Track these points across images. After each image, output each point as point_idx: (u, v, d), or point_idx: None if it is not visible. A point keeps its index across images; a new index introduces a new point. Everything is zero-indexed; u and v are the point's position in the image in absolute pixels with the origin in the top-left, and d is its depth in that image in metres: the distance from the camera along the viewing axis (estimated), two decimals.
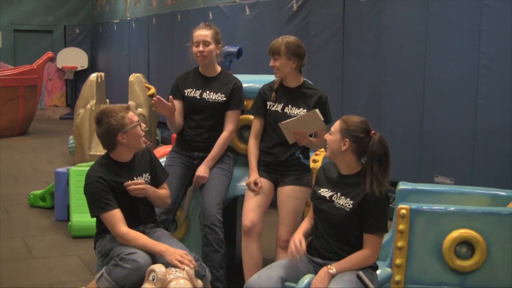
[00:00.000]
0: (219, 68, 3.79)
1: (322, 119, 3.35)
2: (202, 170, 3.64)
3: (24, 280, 4.19)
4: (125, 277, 2.92)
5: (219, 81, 3.73)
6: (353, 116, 2.92)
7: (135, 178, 3.21)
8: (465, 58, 5.05)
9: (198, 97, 3.68)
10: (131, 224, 3.14)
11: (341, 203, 2.85)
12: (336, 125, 2.91)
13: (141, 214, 3.25)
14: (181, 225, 3.72)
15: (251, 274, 3.01)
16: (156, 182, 3.35)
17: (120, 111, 3.14)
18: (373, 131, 2.86)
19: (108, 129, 3.11)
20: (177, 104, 3.69)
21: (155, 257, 3.07)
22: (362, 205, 2.80)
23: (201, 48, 3.65)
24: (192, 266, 2.94)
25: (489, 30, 4.84)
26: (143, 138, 3.23)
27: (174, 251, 2.98)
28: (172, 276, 2.85)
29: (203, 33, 3.68)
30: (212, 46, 3.68)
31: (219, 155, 3.69)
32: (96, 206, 3.09)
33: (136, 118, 3.18)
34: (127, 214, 3.14)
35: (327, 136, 2.94)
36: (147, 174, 3.29)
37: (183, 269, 2.90)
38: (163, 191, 3.36)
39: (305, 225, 3.03)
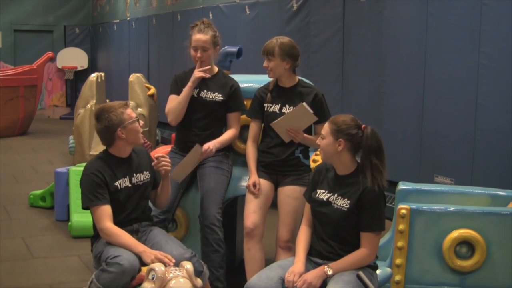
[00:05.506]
0: (216, 68, 3.79)
1: (312, 111, 3.34)
2: (207, 145, 3.59)
3: (24, 280, 4.19)
4: (112, 281, 2.92)
5: (217, 81, 3.73)
6: (341, 116, 2.91)
7: (134, 174, 3.24)
8: (465, 58, 5.04)
9: (196, 96, 3.69)
10: (125, 222, 3.16)
11: (338, 204, 2.85)
12: (326, 128, 2.88)
13: (135, 212, 3.25)
14: (181, 225, 3.72)
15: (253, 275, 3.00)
16: (155, 182, 3.38)
17: (119, 107, 3.21)
18: (363, 125, 2.85)
19: (108, 124, 3.16)
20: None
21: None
22: (358, 203, 2.79)
23: (199, 54, 3.65)
24: (171, 263, 2.94)
25: (489, 30, 4.84)
26: (142, 136, 3.28)
27: (151, 253, 2.99)
28: (171, 274, 2.85)
29: (202, 38, 3.64)
30: (210, 51, 3.67)
31: (223, 143, 3.66)
32: (88, 198, 3.12)
33: (134, 114, 3.25)
34: (121, 211, 3.16)
35: (320, 141, 2.92)
36: (147, 172, 3.31)
37: (183, 267, 2.91)
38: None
39: (303, 257, 2.90)
